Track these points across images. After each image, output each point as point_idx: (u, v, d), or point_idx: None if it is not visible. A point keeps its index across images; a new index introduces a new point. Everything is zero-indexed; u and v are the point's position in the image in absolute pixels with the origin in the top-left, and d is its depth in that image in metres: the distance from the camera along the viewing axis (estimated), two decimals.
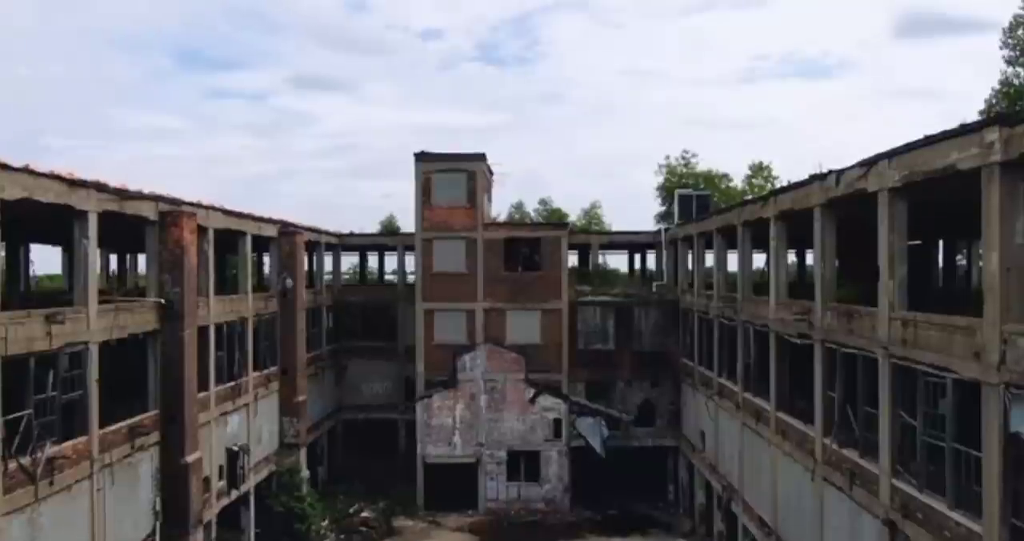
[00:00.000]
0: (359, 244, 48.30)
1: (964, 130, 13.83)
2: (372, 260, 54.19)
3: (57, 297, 28.27)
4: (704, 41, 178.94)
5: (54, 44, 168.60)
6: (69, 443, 19.00)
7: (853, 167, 18.29)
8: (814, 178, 20.79)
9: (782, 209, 23.63)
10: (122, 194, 21.60)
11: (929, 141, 14.84)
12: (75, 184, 19.39)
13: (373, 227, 55.48)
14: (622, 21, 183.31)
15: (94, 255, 20.72)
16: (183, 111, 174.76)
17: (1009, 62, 32.87)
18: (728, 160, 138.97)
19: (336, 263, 45.47)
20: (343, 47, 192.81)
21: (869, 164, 17.40)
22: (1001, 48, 32.82)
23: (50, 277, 57.67)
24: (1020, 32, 32.39)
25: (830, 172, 19.64)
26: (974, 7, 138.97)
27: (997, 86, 33.16)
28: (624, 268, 55.10)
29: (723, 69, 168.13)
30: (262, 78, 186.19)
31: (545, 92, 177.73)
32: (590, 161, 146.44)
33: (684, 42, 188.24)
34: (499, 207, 55.47)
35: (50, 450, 18.01)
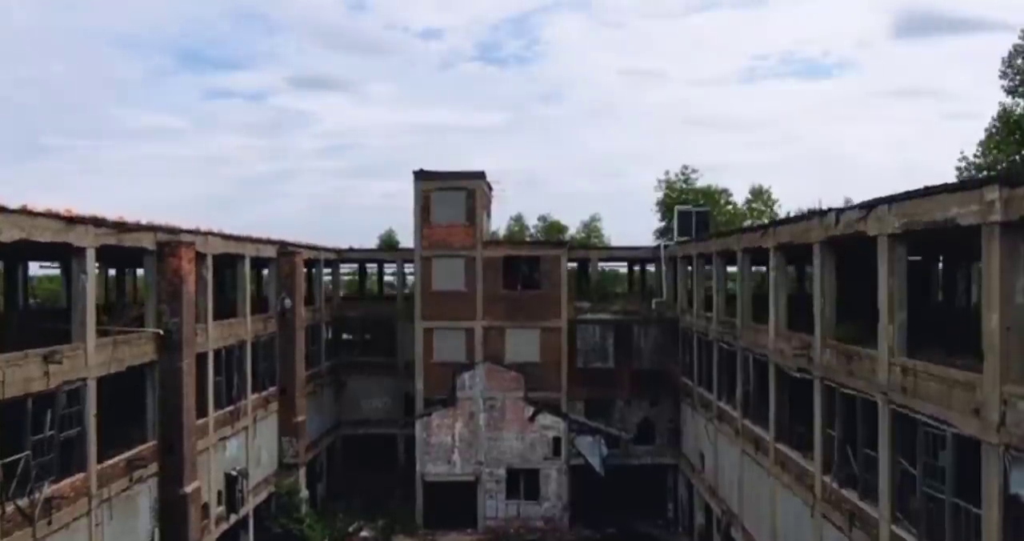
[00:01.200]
0: (358, 259, 48.30)
1: (964, 185, 13.80)
2: (372, 265, 54.05)
3: (56, 321, 28.07)
4: (704, 41, 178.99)
5: (55, 44, 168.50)
6: (67, 481, 18.97)
7: (853, 208, 18.26)
8: (813, 214, 20.74)
9: (781, 241, 23.56)
10: (120, 227, 21.55)
11: (929, 192, 14.77)
12: (72, 221, 19.34)
13: (372, 228, 55.67)
14: (622, 21, 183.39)
15: (91, 288, 20.66)
16: (183, 111, 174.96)
17: (1009, 92, 32.61)
18: (727, 160, 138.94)
19: (335, 278, 45.41)
20: (343, 47, 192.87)
21: (869, 207, 17.34)
22: (1000, 78, 32.62)
23: (49, 278, 57.54)
24: (1020, 62, 32.16)
25: (830, 210, 19.60)
26: (974, 7, 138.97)
27: (995, 116, 32.92)
28: (623, 270, 55.14)
29: (723, 69, 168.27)
30: (262, 78, 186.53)
31: (545, 92, 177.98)
32: (590, 161, 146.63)
33: (684, 42, 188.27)
34: (499, 219, 55.51)
35: (48, 489, 17.97)
